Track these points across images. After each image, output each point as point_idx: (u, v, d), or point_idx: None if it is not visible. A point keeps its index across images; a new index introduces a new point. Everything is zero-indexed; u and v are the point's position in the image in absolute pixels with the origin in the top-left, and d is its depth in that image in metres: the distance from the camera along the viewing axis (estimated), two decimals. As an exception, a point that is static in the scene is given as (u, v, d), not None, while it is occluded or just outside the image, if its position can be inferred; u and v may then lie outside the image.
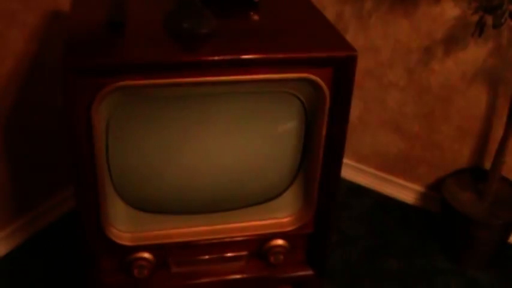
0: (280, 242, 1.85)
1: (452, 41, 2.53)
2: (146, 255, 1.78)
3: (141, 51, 1.54)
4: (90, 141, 1.54)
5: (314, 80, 1.58)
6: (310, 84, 1.60)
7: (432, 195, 2.85)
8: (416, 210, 2.89)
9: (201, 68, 1.51)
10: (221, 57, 1.51)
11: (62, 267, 2.45)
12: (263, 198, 1.79)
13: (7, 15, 2.18)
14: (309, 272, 1.93)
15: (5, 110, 2.30)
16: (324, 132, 1.67)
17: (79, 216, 1.65)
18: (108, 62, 1.48)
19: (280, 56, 1.55)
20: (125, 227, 1.73)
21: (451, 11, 2.48)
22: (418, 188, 2.89)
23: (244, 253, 1.85)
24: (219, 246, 1.82)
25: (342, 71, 1.59)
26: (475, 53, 2.50)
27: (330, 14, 2.74)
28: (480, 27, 2.18)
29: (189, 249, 1.81)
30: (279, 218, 1.82)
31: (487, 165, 2.62)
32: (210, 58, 1.51)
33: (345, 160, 3.00)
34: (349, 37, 2.74)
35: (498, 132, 2.54)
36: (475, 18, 2.27)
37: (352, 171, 3.04)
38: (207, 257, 1.83)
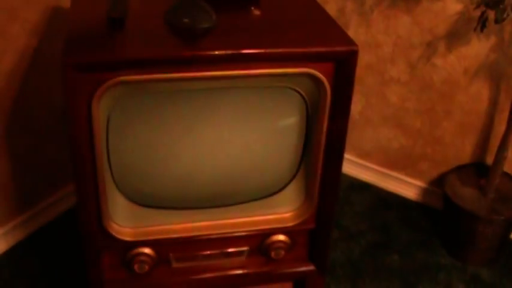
0: (281, 237, 1.85)
1: (454, 36, 2.52)
2: (147, 250, 1.78)
3: (142, 47, 1.53)
4: (90, 137, 1.54)
5: (315, 75, 1.57)
6: (311, 79, 1.59)
7: (434, 191, 2.84)
8: (418, 206, 2.89)
9: (201, 62, 1.51)
10: (222, 52, 1.51)
11: (62, 264, 2.45)
12: (264, 194, 1.79)
13: (9, 11, 2.18)
14: (310, 268, 1.92)
15: (5, 106, 2.30)
16: (325, 127, 1.66)
17: (80, 212, 1.65)
18: (108, 57, 1.47)
19: (281, 50, 1.55)
20: (125, 222, 1.73)
21: (453, 6, 2.47)
22: (420, 183, 2.89)
23: (245, 248, 1.85)
24: (220, 241, 1.82)
25: (343, 66, 1.59)
26: (477, 48, 2.49)
27: (331, 9, 2.73)
28: (482, 22, 2.17)
29: (190, 244, 1.81)
30: (280, 213, 1.82)
31: (489, 160, 2.61)
32: (211, 53, 1.51)
33: (347, 156, 3.00)
34: (350, 32, 2.73)
35: (500, 127, 2.53)
36: (477, 13, 2.26)
37: (353, 166, 3.03)
38: (207, 252, 1.83)
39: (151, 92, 1.54)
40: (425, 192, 2.88)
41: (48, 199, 2.63)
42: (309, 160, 1.74)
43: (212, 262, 1.86)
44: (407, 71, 2.69)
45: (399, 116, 2.81)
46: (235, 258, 1.86)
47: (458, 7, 2.46)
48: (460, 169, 2.66)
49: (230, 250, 1.84)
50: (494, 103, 2.55)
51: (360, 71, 2.79)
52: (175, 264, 1.83)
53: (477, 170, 2.64)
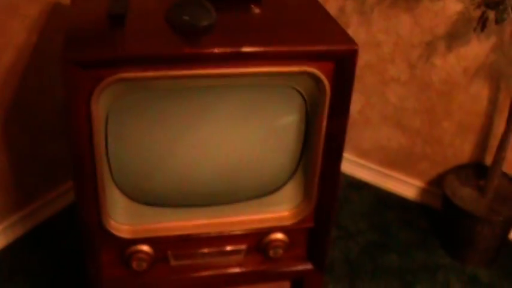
0: (279, 236, 1.84)
1: (454, 36, 2.52)
2: (145, 248, 1.78)
3: (142, 44, 1.53)
4: (89, 133, 1.54)
5: (315, 74, 1.57)
6: (311, 78, 1.59)
7: (433, 191, 2.84)
8: (417, 205, 2.89)
9: (201, 60, 1.51)
10: (222, 50, 1.51)
11: (61, 260, 2.45)
12: (263, 192, 1.79)
13: (9, 7, 2.17)
14: (309, 267, 1.92)
15: (5, 102, 2.30)
16: (324, 126, 1.66)
17: (79, 209, 1.65)
18: (108, 54, 1.47)
19: (281, 49, 1.55)
20: (123, 219, 1.73)
21: (453, 6, 2.47)
22: (419, 183, 2.89)
23: (243, 247, 1.85)
24: (218, 239, 1.82)
25: (343, 65, 1.59)
26: (477, 49, 2.49)
27: (331, 8, 2.73)
28: (482, 22, 2.17)
29: (188, 242, 1.81)
30: (279, 212, 1.82)
31: (488, 161, 2.61)
32: (211, 51, 1.50)
33: (346, 155, 3.00)
34: (350, 32, 2.73)
35: (499, 128, 2.53)
36: (477, 13, 2.26)
37: (352, 166, 3.03)
38: (206, 250, 1.83)
39: (150, 89, 1.54)
40: (424, 192, 2.88)
41: (48, 195, 2.63)
42: (308, 159, 1.74)
43: (210, 260, 1.86)
44: (407, 71, 2.69)
45: (399, 116, 2.81)
46: (233, 256, 1.86)
47: (458, 7, 2.46)
48: (459, 169, 2.66)
49: (228, 248, 1.84)
50: (493, 103, 2.55)
51: (359, 70, 2.79)
52: (173, 262, 1.83)
53: (476, 171, 2.64)
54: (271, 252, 1.85)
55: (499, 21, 2.09)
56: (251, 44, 1.53)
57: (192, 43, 1.55)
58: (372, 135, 2.93)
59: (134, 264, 1.78)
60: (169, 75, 1.50)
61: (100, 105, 1.51)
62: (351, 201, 2.88)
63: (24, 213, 2.54)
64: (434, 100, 2.68)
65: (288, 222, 1.81)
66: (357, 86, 2.83)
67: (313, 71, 1.57)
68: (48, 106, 2.47)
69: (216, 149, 1.68)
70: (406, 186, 2.92)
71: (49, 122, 2.50)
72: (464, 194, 2.51)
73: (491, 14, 2.14)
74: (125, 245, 1.76)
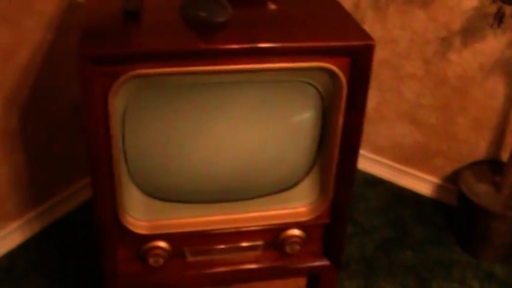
0: (296, 232, 1.84)
1: (469, 32, 2.51)
2: (162, 244, 1.78)
3: (158, 40, 1.54)
4: (106, 130, 1.55)
5: (332, 70, 1.57)
6: (327, 73, 1.59)
7: (448, 187, 2.83)
8: (432, 202, 2.88)
9: (217, 56, 1.51)
10: (238, 46, 1.51)
11: (76, 256, 2.46)
12: (279, 188, 1.79)
13: (25, 4, 2.18)
14: (325, 263, 1.92)
15: (21, 99, 2.31)
16: (340, 122, 1.66)
17: (95, 205, 1.66)
18: (125, 50, 1.48)
19: (298, 45, 1.55)
20: (140, 215, 1.73)
21: (469, 2, 2.46)
22: (434, 179, 2.88)
23: (260, 243, 1.85)
24: (234, 235, 1.82)
25: (359, 61, 1.59)
26: (493, 44, 2.48)
27: (346, 4, 2.72)
28: (499, 17, 2.16)
29: (205, 238, 1.81)
30: (295, 208, 1.81)
31: (504, 157, 2.60)
32: (227, 46, 1.51)
33: (361, 151, 2.99)
34: (366, 28, 2.73)
35: (516, 124, 2.53)
36: (493, 8, 2.25)
37: (368, 162, 3.03)
38: (222, 246, 1.83)
39: (167, 85, 1.54)
40: (439, 188, 2.87)
41: (63, 192, 2.64)
42: (324, 155, 1.73)
43: (227, 256, 1.86)
44: (422, 67, 2.68)
45: (414, 112, 2.80)
46: (249, 252, 1.87)
47: (473, 2, 2.45)
48: (474, 165, 2.65)
49: (245, 244, 1.84)
50: (509, 99, 2.54)
51: (375, 66, 2.78)
52: (190, 258, 1.83)
53: (492, 167, 2.63)
54: (287, 248, 1.85)
55: (515, 16, 2.09)
56: (267, 40, 1.53)
57: (209, 39, 1.55)
58: (387, 132, 2.92)
59: (151, 260, 1.78)
60: (186, 71, 1.51)
61: (117, 102, 1.52)
62: (366, 198, 2.87)
63: (40, 210, 2.56)
64: (449, 96, 2.67)
65: (304, 218, 1.81)
66: (372, 83, 2.82)
67: (330, 66, 1.57)
68: (64, 104, 2.48)
69: (232, 144, 1.69)
70: (421, 183, 2.91)
71: (64, 119, 2.51)
72: (480, 190, 2.50)
73: (508, 9, 2.13)
74: (142, 241, 1.77)
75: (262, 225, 1.81)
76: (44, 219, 2.58)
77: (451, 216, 2.77)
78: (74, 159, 2.63)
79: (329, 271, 1.95)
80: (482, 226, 2.45)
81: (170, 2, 1.73)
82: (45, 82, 2.37)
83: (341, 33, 1.63)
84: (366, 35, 1.60)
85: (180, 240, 1.80)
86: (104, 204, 1.66)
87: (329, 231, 1.87)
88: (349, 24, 1.68)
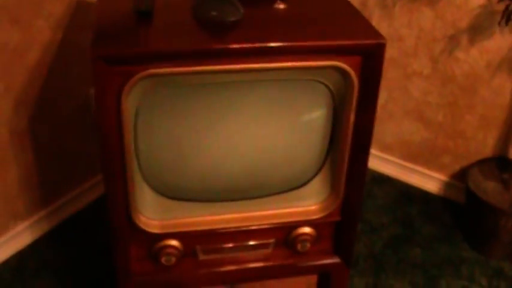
0: (307, 230, 1.85)
1: (476, 30, 2.52)
2: (174, 242, 1.79)
3: (171, 39, 1.54)
4: (119, 129, 1.55)
5: (343, 68, 1.57)
6: (339, 72, 1.60)
7: (455, 185, 2.84)
8: (440, 199, 2.89)
9: (230, 55, 1.52)
10: (251, 45, 1.51)
11: (85, 255, 2.47)
12: (290, 186, 1.79)
13: (34, 5, 2.19)
14: (336, 260, 1.93)
15: (30, 100, 2.32)
16: (351, 120, 1.66)
17: (108, 204, 1.66)
18: (138, 49, 1.48)
19: (310, 44, 1.55)
20: (153, 214, 1.74)
21: (476, 0, 2.46)
22: (442, 177, 2.89)
23: (271, 241, 1.86)
24: (246, 234, 1.83)
25: (371, 59, 1.59)
26: (500, 42, 2.49)
27: (354, 2, 2.72)
28: (507, 15, 2.17)
29: (216, 237, 1.81)
30: (306, 206, 1.82)
31: (511, 154, 2.62)
32: (240, 46, 1.51)
33: (369, 149, 3.00)
34: (373, 26, 2.73)
35: (523, 121, 2.53)
36: (500, 6, 2.26)
37: (375, 160, 3.03)
38: (234, 244, 1.84)
39: (179, 84, 1.55)
40: (447, 185, 2.88)
41: (72, 192, 2.65)
42: (335, 153, 1.74)
43: (238, 254, 1.87)
44: (429, 65, 2.69)
45: (421, 110, 2.81)
46: (261, 250, 1.87)
47: (480, 0, 2.46)
48: (482, 163, 2.66)
49: (256, 242, 1.85)
50: (517, 97, 2.55)
51: (382, 64, 2.79)
52: (201, 257, 1.84)
53: (499, 164, 2.64)
54: (299, 246, 1.86)
55: (523, 14, 2.09)
56: (280, 39, 1.54)
57: (221, 38, 1.55)
58: (394, 130, 2.93)
59: (163, 259, 1.79)
60: (198, 70, 1.51)
61: (130, 101, 1.52)
62: (374, 196, 2.88)
63: (49, 210, 2.57)
64: (456, 94, 2.68)
65: (315, 216, 1.82)
66: (379, 81, 2.83)
67: (342, 65, 1.57)
68: (73, 104, 2.49)
69: (243, 143, 1.69)
70: (428, 180, 2.92)
71: (73, 119, 2.52)
72: (488, 188, 2.51)
73: (516, 7, 2.14)
74: (154, 240, 1.77)
75: (274, 223, 1.82)
76: (54, 219, 2.60)
77: (459, 214, 2.78)
78: (82, 159, 2.64)
79: (340, 269, 1.95)
80: (490, 223, 2.46)
81: (181, 1, 1.74)
82: (54, 82, 2.38)
83: (352, 31, 1.64)
84: (377, 34, 1.61)
85: (192, 239, 1.80)
86: (117, 204, 1.66)
87: (340, 228, 1.88)
88: (360, 23, 1.69)
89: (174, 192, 1.74)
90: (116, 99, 1.51)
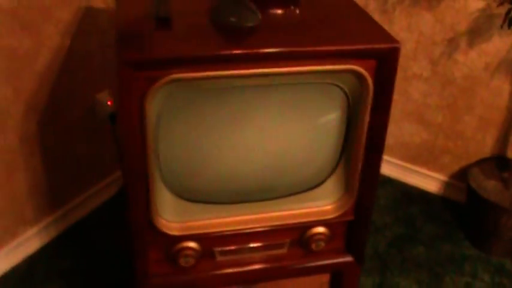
0: (321, 229, 1.88)
1: (475, 33, 2.57)
2: (192, 244, 1.81)
3: (192, 45, 1.57)
4: (142, 133, 1.58)
5: (359, 72, 1.61)
6: (354, 75, 1.63)
7: (456, 184, 2.89)
8: (440, 199, 2.94)
9: (250, 60, 1.55)
10: (271, 50, 1.54)
11: (95, 260, 2.49)
12: (306, 187, 1.82)
13: (43, 11, 2.22)
14: (349, 259, 1.96)
15: (39, 105, 2.33)
16: (366, 122, 1.70)
17: (129, 208, 1.68)
18: (162, 55, 1.51)
19: (327, 48, 1.58)
20: (172, 217, 1.76)
21: (475, 4, 2.51)
22: (442, 177, 2.93)
23: (286, 241, 1.89)
24: (262, 234, 1.86)
25: (385, 62, 1.63)
26: (498, 44, 2.54)
27: (353, 7, 2.78)
28: (509, 19, 2.21)
29: (233, 238, 1.84)
30: (321, 206, 1.85)
31: (510, 154, 2.66)
32: (260, 51, 1.54)
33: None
34: (373, 30, 2.77)
35: (522, 121, 2.58)
36: (499, 10, 2.30)
37: (375, 162, 3.07)
38: (250, 245, 1.87)
39: (199, 89, 1.58)
40: (447, 185, 2.92)
41: (81, 196, 2.67)
42: (350, 153, 1.78)
43: (254, 255, 1.89)
44: (429, 68, 2.74)
45: (421, 112, 2.85)
46: (276, 250, 1.90)
47: (480, 4, 2.51)
48: (482, 162, 2.71)
49: (272, 243, 1.88)
50: (515, 97, 2.60)
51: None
52: (219, 258, 1.87)
53: (499, 163, 2.68)
54: (313, 246, 1.89)
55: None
56: (297, 44, 1.57)
57: (240, 43, 1.58)
58: (394, 131, 2.98)
59: (181, 261, 1.81)
60: (219, 75, 1.54)
61: (153, 105, 1.55)
62: (376, 196, 2.92)
63: (58, 215, 2.58)
64: (456, 95, 2.73)
65: (330, 216, 1.85)
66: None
67: (358, 68, 1.61)
68: (81, 109, 2.51)
69: (261, 146, 1.72)
70: (429, 181, 2.97)
71: (82, 124, 2.54)
72: (489, 186, 2.56)
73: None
74: (173, 242, 1.80)
75: (289, 224, 1.85)
76: (62, 224, 2.61)
77: (460, 213, 2.83)
78: (91, 164, 2.66)
79: (352, 267, 1.99)
80: (491, 221, 2.51)
81: (197, 7, 1.77)
82: (62, 87, 2.40)
83: (367, 36, 1.68)
84: (391, 38, 1.65)
85: (210, 241, 1.83)
86: (138, 207, 1.69)
87: (352, 227, 1.91)
88: (374, 27, 1.73)
89: (193, 195, 1.76)
90: (139, 103, 1.54)
